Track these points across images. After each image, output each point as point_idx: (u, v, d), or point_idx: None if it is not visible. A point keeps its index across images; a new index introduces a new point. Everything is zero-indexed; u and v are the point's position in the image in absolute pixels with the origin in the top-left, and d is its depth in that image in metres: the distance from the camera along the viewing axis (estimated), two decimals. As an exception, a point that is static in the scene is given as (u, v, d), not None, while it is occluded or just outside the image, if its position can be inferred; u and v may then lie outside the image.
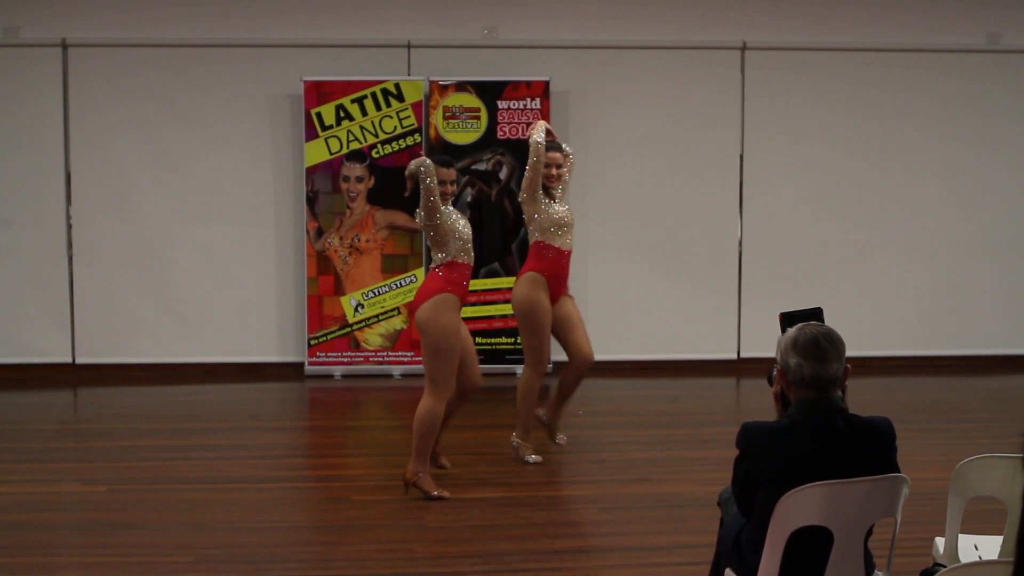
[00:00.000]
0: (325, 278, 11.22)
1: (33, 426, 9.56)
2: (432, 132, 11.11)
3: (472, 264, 7.39)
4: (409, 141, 11.09)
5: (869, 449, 4.14)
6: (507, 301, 11.03)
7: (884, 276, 11.80)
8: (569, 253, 8.17)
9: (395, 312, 11.22)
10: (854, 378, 4.30)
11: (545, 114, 11.11)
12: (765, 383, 4.42)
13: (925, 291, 11.86)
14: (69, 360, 11.39)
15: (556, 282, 8.12)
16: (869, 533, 4.19)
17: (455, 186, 7.42)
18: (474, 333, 10.86)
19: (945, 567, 4.45)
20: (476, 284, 11.03)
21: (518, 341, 11.08)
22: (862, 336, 10.75)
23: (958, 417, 9.91)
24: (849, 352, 4.20)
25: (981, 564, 3.66)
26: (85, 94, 11.26)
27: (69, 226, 11.31)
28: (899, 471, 4.17)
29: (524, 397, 8.14)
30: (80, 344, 11.40)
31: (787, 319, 4.35)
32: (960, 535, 4.63)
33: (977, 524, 4.85)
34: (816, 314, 4.38)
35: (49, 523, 6.97)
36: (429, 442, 7.27)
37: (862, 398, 4.50)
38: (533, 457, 8.11)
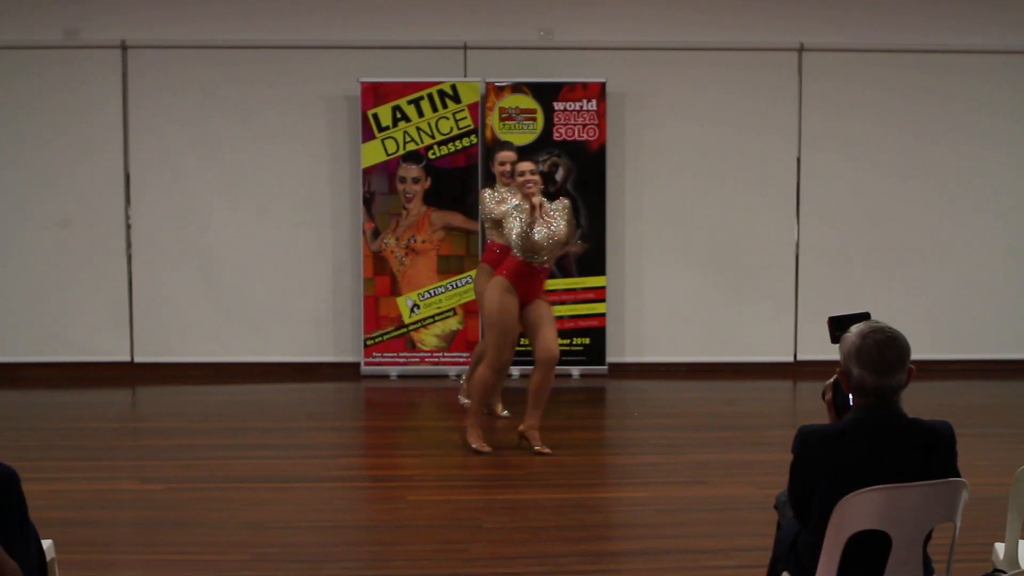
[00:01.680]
0: (381, 278, 11.25)
1: (92, 424, 9.65)
2: (488, 133, 11.12)
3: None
4: (465, 142, 11.11)
5: (928, 453, 4.11)
6: (563, 303, 11.07)
7: (943, 279, 11.71)
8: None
9: (451, 313, 11.24)
10: (912, 382, 4.26)
11: (601, 115, 11.10)
12: (822, 387, 4.39)
13: (983, 294, 11.75)
14: (128, 359, 11.49)
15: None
16: (928, 538, 4.16)
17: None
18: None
19: (1005, 573, 4.42)
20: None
21: (574, 343, 11.10)
22: (920, 340, 10.55)
23: (1019, 422, 9.82)
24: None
25: (1042, 570, 3.63)
26: (144, 95, 11.35)
27: (128, 226, 11.41)
28: (959, 475, 4.13)
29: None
30: (138, 343, 11.50)
31: (835, 323, 4.32)
32: (1021, 540, 4.59)
33: (1037, 530, 4.80)
34: (864, 318, 4.33)
35: (107, 520, 7.02)
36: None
37: (920, 402, 4.47)
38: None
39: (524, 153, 10.80)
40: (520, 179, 8.23)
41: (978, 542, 5.48)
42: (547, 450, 8.28)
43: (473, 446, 8.38)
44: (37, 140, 11.30)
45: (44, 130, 11.30)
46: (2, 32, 11.25)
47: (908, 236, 11.68)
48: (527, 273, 8.19)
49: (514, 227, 8.14)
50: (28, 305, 11.40)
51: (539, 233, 8.07)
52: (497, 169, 9.01)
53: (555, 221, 8.17)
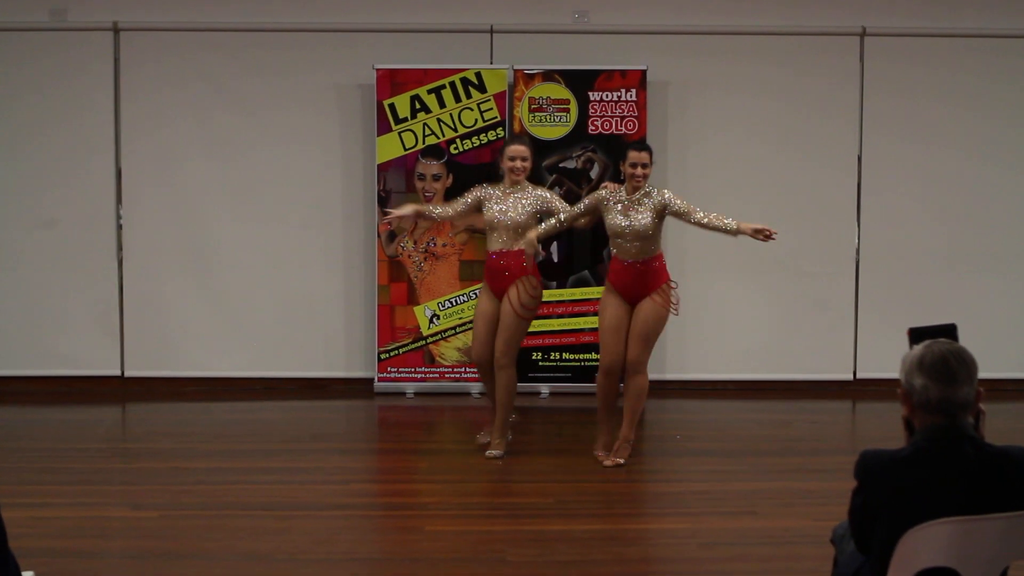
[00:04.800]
0: (397, 286, 11.27)
1: (78, 445, 9.68)
2: (516, 126, 11.13)
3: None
4: (491, 136, 11.12)
5: (1003, 482, 4.09)
6: (596, 314, 11.05)
7: (1018, 290, 11.66)
8: (504, 252, 9.02)
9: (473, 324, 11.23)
10: (986, 403, 4.25)
11: (641, 107, 11.10)
12: (884, 408, 4.39)
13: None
14: (118, 373, 11.53)
15: (492, 281, 9.09)
16: (1003, 576, 4.15)
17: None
18: (560, 348, 10.90)
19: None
20: (563, 294, 11.04)
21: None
22: (994, 356, 10.60)
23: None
24: (980, 374, 4.15)
25: None
26: (138, 83, 11.40)
27: (119, 227, 11.46)
28: (1037, 507, 4.12)
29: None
30: (130, 355, 11.53)
31: (916, 335, 4.31)
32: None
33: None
34: (949, 331, 4.33)
35: (95, 551, 7.03)
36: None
37: (994, 425, 4.45)
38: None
39: (556, 148, 10.80)
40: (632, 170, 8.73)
41: (1058, 581, 5.45)
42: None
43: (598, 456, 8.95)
44: (19, 132, 11.35)
45: (27, 121, 11.35)
46: (-18, 13, 11.34)
47: (983, 239, 11.62)
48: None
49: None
50: (7, 313, 11.45)
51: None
52: (506, 164, 9.02)
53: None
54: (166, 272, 11.47)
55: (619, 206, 8.71)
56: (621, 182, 8.92)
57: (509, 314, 8.98)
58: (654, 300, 8.76)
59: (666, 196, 8.69)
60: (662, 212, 8.67)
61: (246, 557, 6.80)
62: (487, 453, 9.02)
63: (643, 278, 8.78)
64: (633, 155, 8.69)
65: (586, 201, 8.90)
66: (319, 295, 11.57)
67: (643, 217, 8.63)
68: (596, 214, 8.91)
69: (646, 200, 8.66)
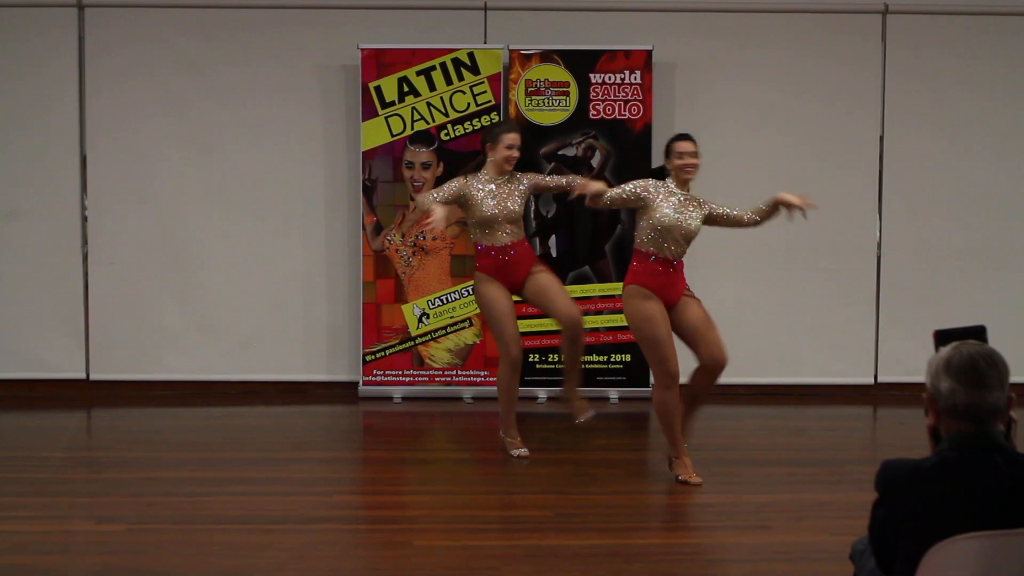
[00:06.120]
0: (384, 283, 11.26)
1: (39, 453, 9.66)
2: (512, 110, 11.13)
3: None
4: (484, 121, 11.11)
5: (1036, 494, 4.10)
6: (600, 312, 11.05)
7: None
8: (514, 244, 9.07)
9: (466, 324, 11.24)
10: (1019, 410, 4.25)
11: (646, 90, 11.09)
12: (907, 414, 4.38)
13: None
14: (83, 376, 11.52)
15: (506, 275, 9.07)
16: (1036, 595, 4.14)
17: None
18: (558, 350, 10.89)
19: None
20: (562, 291, 11.06)
21: (612, 360, 11.08)
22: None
23: None
24: (1012, 378, 4.15)
25: None
26: (104, 64, 11.39)
27: (84, 219, 11.45)
28: (1073, 521, 4.11)
29: None
30: (95, 357, 11.52)
31: (943, 338, 4.31)
32: None
33: None
34: (978, 333, 4.33)
35: (58, 568, 7.02)
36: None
37: (1028, 433, 4.45)
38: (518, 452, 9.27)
39: (555, 134, 10.80)
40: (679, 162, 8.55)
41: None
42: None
43: (681, 478, 8.62)
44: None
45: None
46: (-64, -12, 11.33)
47: (1013, 235, 11.63)
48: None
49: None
50: (-35, 312, 11.46)
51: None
52: (503, 154, 8.98)
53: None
54: (135, 267, 11.45)
55: (673, 200, 8.57)
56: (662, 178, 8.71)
57: (554, 280, 9.26)
58: (694, 296, 8.81)
59: (711, 205, 8.62)
60: (705, 218, 8.61)
61: (221, 574, 6.80)
62: (587, 416, 9.33)
63: (679, 276, 8.74)
64: (680, 145, 8.54)
65: (632, 189, 8.48)
66: (300, 293, 11.56)
67: (694, 221, 8.53)
68: (633, 206, 8.73)
69: (696, 202, 8.59)
